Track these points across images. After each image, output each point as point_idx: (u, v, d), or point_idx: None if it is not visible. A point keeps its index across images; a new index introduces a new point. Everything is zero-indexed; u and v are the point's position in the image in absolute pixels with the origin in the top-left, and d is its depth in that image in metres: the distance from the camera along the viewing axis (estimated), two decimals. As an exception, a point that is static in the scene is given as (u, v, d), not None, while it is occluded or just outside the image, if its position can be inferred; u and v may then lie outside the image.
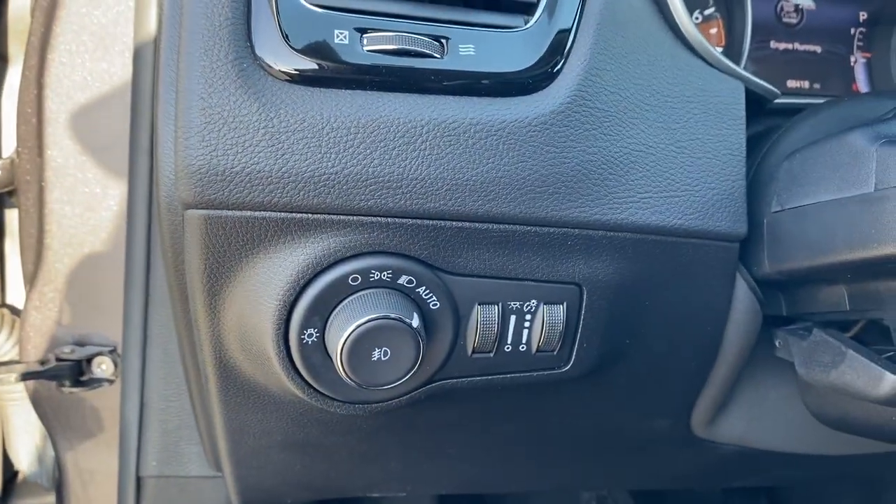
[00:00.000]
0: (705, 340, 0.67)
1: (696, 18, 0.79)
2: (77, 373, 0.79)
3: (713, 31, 0.79)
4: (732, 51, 0.78)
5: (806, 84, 0.83)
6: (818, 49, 0.83)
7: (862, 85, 0.84)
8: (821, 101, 0.69)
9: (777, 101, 0.66)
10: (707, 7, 0.79)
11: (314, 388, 0.56)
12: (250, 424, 0.65)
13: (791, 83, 0.82)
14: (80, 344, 0.79)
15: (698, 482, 1.10)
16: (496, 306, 0.57)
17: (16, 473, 1.00)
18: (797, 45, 0.82)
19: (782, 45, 0.82)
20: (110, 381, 0.80)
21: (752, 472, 0.88)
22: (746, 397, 0.76)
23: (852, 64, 0.84)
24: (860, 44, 0.84)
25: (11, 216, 0.91)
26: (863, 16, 0.84)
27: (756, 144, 0.66)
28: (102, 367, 0.80)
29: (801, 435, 0.78)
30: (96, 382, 0.80)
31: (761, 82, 0.64)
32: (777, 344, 0.68)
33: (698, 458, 0.82)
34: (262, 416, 0.64)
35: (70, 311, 0.78)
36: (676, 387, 0.72)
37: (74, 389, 0.80)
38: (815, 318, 0.65)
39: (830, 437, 0.73)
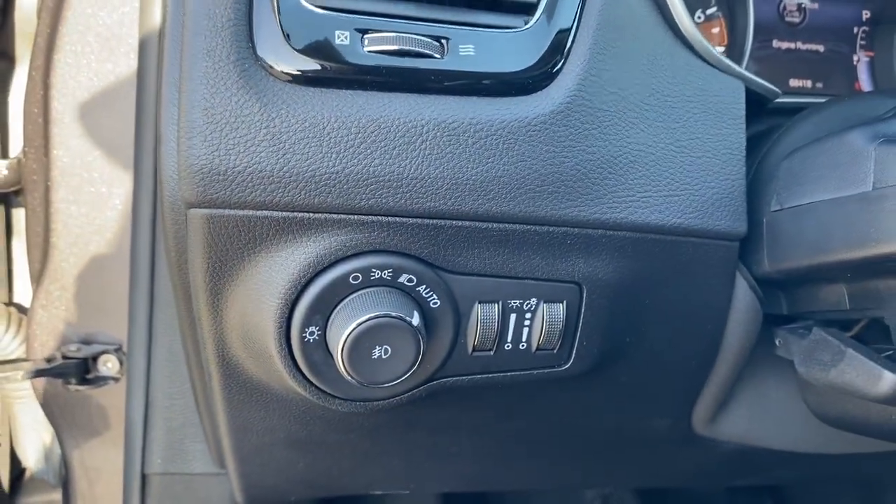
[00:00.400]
0: (706, 339, 0.67)
1: (698, 18, 0.79)
2: (83, 371, 0.80)
3: (715, 30, 0.79)
4: (734, 50, 0.78)
5: (808, 83, 0.83)
6: (821, 48, 0.83)
7: (865, 84, 0.84)
8: (823, 100, 0.69)
9: (779, 100, 0.66)
10: (709, 6, 0.79)
11: (316, 386, 0.57)
12: (253, 422, 0.66)
13: (794, 82, 0.82)
14: (87, 342, 0.80)
15: (700, 481, 1.10)
16: (496, 305, 0.57)
17: (23, 470, 1.01)
18: (800, 45, 0.82)
19: (785, 45, 0.82)
20: (116, 379, 0.81)
21: (754, 470, 0.88)
22: (747, 395, 0.76)
23: (855, 63, 0.84)
24: (863, 43, 0.84)
25: (18, 215, 0.92)
26: (866, 15, 0.84)
27: (757, 143, 0.66)
28: (108, 365, 0.80)
29: (802, 433, 0.77)
30: (102, 380, 0.81)
31: (762, 81, 0.64)
32: (777, 343, 0.68)
33: (699, 456, 0.82)
34: (265, 413, 0.65)
35: (76, 310, 0.79)
36: (677, 385, 0.72)
37: (80, 387, 0.80)
38: (816, 316, 0.65)
39: (831, 435, 0.73)
